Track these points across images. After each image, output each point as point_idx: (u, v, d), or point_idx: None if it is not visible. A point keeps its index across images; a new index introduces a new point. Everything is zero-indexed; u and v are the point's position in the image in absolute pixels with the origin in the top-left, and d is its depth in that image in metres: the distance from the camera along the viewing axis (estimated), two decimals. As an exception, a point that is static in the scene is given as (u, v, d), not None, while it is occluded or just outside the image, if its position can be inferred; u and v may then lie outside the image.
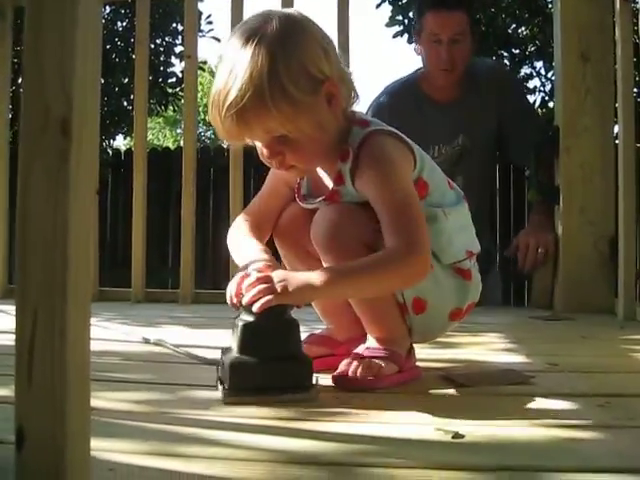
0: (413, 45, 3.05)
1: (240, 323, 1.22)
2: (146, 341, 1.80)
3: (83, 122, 0.63)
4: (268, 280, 1.21)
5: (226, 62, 1.23)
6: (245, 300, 1.21)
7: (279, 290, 1.19)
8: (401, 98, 2.98)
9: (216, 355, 1.35)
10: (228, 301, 1.30)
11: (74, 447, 0.64)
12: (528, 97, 3.16)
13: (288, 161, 1.32)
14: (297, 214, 1.46)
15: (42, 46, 0.61)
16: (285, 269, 1.41)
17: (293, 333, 1.24)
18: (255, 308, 1.18)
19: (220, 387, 1.21)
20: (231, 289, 1.29)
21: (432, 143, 2.88)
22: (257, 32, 1.21)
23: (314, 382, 1.21)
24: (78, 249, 0.63)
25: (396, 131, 1.38)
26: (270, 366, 1.19)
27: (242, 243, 1.43)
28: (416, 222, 1.27)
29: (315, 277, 1.22)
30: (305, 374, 1.21)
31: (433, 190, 1.40)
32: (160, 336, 1.82)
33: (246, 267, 1.32)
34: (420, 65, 3.05)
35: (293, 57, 1.22)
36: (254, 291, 1.20)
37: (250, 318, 1.21)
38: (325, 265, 1.35)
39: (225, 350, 1.28)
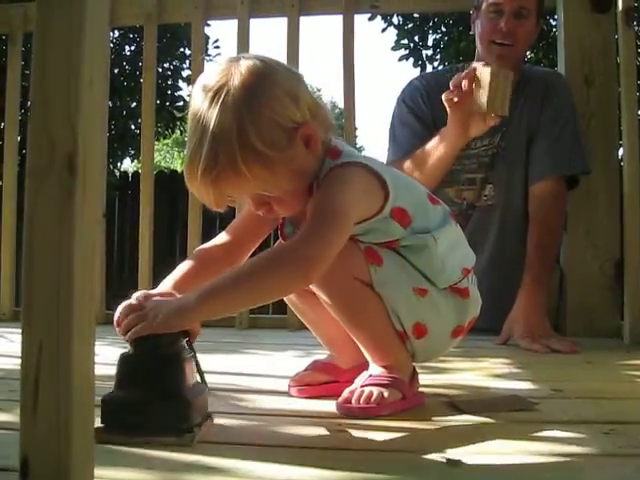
0: (473, 23, 2.64)
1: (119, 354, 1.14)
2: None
3: (89, 157, 0.64)
4: (137, 309, 1.16)
5: (194, 126, 1.20)
6: (120, 330, 1.15)
7: (148, 319, 1.13)
8: (440, 82, 2.57)
9: (216, 380, 1.34)
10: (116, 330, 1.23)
11: (79, 476, 0.64)
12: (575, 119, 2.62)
13: (275, 211, 1.32)
14: None
15: (47, 81, 0.63)
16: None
17: (170, 368, 1.12)
18: (126, 338, 1.12)
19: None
20: (115, 316, 1.22)
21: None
22: (219, 93, 1.18)
23: (192, 424, 1.08)
24: (83, 281, 0.64)
25: (367, 161, 1.33)
26: (143, 404, 1.08)
27: (179, 267, 1.40)
28: (329, 230, 1.21)
29: (186, 300, 1.16)
30: (179, 415, 1.08)
31: (415, 214, 1.36)
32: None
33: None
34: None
35: (261, 115, 1.19)
36: (126, 320, 1.14)
37: (130, 350, 1.14)
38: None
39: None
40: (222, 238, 1.46)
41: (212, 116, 1.17)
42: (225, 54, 7.25)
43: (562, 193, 2.57)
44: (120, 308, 1.22)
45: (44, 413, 0.63)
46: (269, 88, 1.21)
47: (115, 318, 1.22)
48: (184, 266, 1.40)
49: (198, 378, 1.18)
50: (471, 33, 2.73)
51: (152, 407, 1.08)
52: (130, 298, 1.24)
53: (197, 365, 1.18)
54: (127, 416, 1.08)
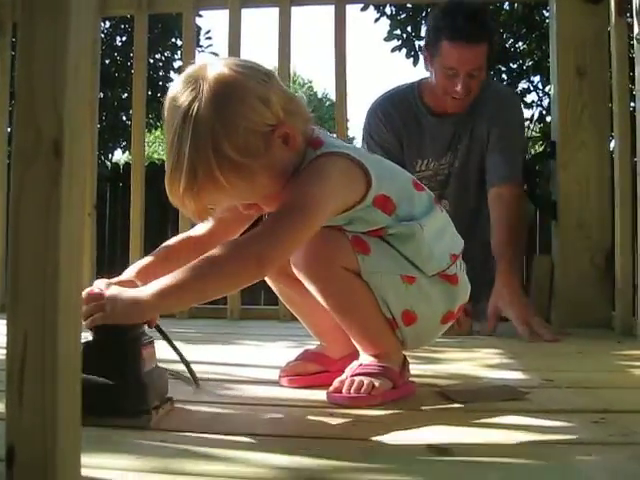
0: (422, 56, 2.86)
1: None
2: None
3: (75, 143, 0.63)
4: (96, 298, 1.16)
5: (170, 143, 1.20)
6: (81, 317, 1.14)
7: (105, 308, 1.14)
8: (398, 108, 2.81)
9: (208, 370, 1.34)
10: None
11: (65, 465, 0.64)
12: (521, 128, 2.89)
13: (264, 209, 1.33)
14: None
15: (34, 68, 0.62)
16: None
17: (126, 353, 1.15)
18: (84, 325, 1.13)
19: None
20: None
21: (422, 156, 2.78)
22: (191, 109, 1.17)
23: (150, 407, 1.12)
24: (69, 269, 0.63)
25: (348, 151, 1.32)
26: (100, 388, 1.10)
27: (148, 256, 1.40)
28: (289, 227, 1.21)
29: (145, 291, 1.16)
30: (137, 398, 1.12)
31: (399, 201, 1.36)
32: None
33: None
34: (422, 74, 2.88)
35: (235, 126, 1.18)
36: (86, 307, 1.15)
37: (90, 337, 1.16)
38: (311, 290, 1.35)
39: None
40: (202, 228, 1.45)
41: (186, 134, 1.17)
42: (217, 45, 7.23)
43: (521, 194, 2.74)
44: (83, 295, 1.22)
45: (30, 403, 0.62)
46: (239, 96, 1.21)
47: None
48: (151, 255, 1.40)
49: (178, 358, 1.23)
50: (424, 62, 2.82)
51: (109, 390, 1.11)
52: (92, 286, 1.24)
53: (175, 349, 1.22)
54: (87, 400, 1.09)
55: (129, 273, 1.33)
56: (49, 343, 0.61)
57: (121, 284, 1.24)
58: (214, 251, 1.19)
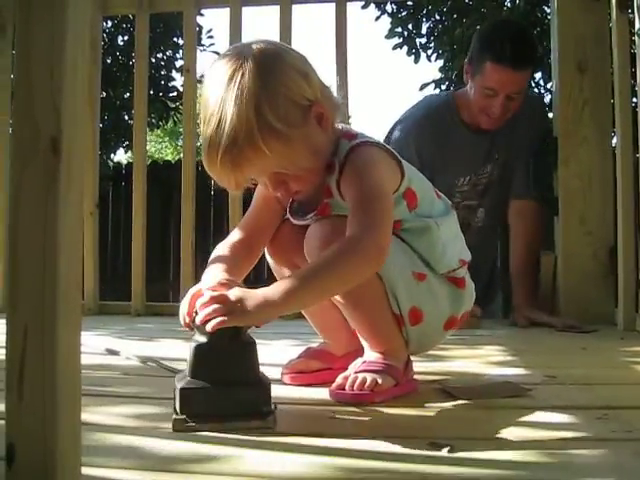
0: (465, 69, 2.74)
1: (192, 344, 1.14)
2: (144, 361, 1.80)
3: (73, 140, 0.63)
4: (223, 299, 1.14)
5: (211, 110, 1.21)
6: (198, 319, 1.13)
7: (235, 309, 1.13)
8: (436, 124, 2.73)
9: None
10: (181, 321, 1.23)
11: (65, 464, 0.64)
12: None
13: (292, 189, 1.33)
14: (289, 232, 1.45)
15: (32, 65, 0.62)
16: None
17: (249, 355, 1.15)
18: (208, 327, 1.10)
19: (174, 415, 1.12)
20: (183, 308, 1.23)
21: (462, 172, 2.77)
22: (235, 76, 1.19)
23: (272, 408, 1.12)
24: (68, 265, 0.63)
25: (383, 143, 1.38)
26: (223, 391, 1.11)
27: (213, 262, 1.37)
28: (380, 214, 1.24)
29: (272, 291, 1.16)
30: (261, 400, 1.11)
31: (422, 199, 1.40)
32: (152, 349, 1.82)
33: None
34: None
35: (277, 94, 1.20)
36: (207, 310, 1.12)
37: (203, 339, 1.13)
38: None
39: (181, 376, 1.18)
40: (237, 235, 1.45)
41: (229, 99, 1.18)
42: (218, 44, 7.22)
43: (540, 209, 2.84)
44: (190, 297, 1.22)
45: (30, 400, 0.62)
46: (282, 67, 1.24)
47: (184, 308, 1.22)
48: (216, 262, 1.37)
49: None
50: (465, 75, 2.77)
51: (234, 393, 1.11)
52: (188, 290, 1.25)
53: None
54: (210, 404, 1.10)
55: (219, 275, 1.29)
56: (48, 339, 0.61)
57: (225, 286, 1.22)
58: (330, 252, 1.21)
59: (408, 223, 1.38)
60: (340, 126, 1.38)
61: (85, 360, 1.72)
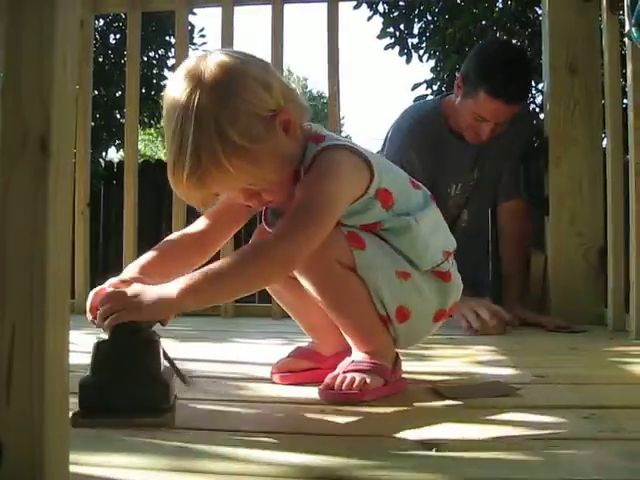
0: (456, 83, 2.73)
1: (94, 341, 1.14)
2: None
3: (62, 139, 0.63)
4: (120, 295, 1.15)
5: (172, 131, 1.19)
6: (98, 316, 1.14)
7: (131, 305, 1.13)
8: (428, 135, 2.73)
9: (201, 367, 1.34)
10: (88, 317, 1.23)
11: (52, 461, 0.64)
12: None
13: (265, 199, 1.33)
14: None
15: (20, 63, 0.62)
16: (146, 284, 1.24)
17: (149, 352, 1.14)
18: (105, 324, 1.12)
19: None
20: (88, 303, 1.23)
21: (452, 181, 2.79)
22: (193, 95, 1.17)
23: (170, 405, 1.12)
24: (57, 264, 0.63)
25: (351, 144, 1.35)
26: (120, 387, 1.10)
27: (146, 253, 1.38)
28: (306, 227, 1.22)
29: (171, 289, 1.15)
30: (160, 396, 1.11)
31: (398, 196, 1.38)
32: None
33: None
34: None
35: (237, 110, 1.19)
36: (105, 307, 1.13)
37: (104, 336, 1.14)
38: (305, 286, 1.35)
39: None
40: (198, 225, 1.45)
41: (189, 120, 1.17)
42: (210, 43, 7.22)
43: (529, 209, 2.93)
44: (93, 294, 1.23)
45: (17, 396, 0.62)
46: (240, 81, 1.21)
47: (88, 304, 1.22)
48: (150, 254, 1.38)
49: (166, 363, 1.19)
50: (455, 90, 2.76)
51: (132, 389, 1.10)
52: (102, 285, 1.24)
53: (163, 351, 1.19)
54: (107, 400, 1.09)
55: (132, 270, 1.31)
56: (37, 336, 0.61)
57: (127, 283, 1.23)
58: (239, 252, 1.21)
59: (388, 223, 1.37)
60: (309, 126, 1.36)
61: (78, 359, 1.73)
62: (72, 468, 0.71)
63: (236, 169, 1.19)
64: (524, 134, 2.89)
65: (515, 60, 2.60)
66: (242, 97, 1.20)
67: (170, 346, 1.87)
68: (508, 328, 2.48)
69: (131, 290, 1.16)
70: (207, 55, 1.24)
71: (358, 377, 1.30)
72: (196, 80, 1.19)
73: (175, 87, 1.22)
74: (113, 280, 1.24)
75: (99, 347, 1.13)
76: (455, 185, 2.81)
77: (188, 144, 1.17)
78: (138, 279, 1.26)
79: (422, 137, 2.72)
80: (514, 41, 4.89)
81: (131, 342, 1.13)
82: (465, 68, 2.70)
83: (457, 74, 2.74)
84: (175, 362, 1.22)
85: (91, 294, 1.24)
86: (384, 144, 2.91)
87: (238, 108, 1.19)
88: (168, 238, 1.45)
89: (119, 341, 1.13)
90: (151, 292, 1.15)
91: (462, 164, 2.79)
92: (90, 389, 1.09)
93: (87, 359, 1.74)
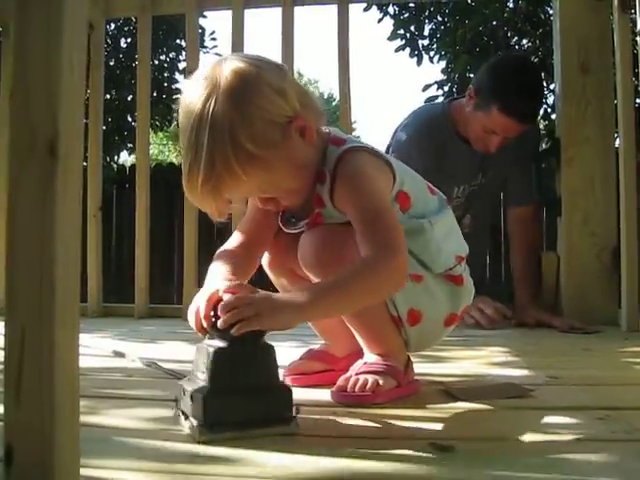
0: (469, 95, 2.74)
1: (210, 350, 1.09)
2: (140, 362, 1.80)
3: (70, 142, 0.63)
4: (249, 301, 1.11)
5: (187, 138, 1.18)
6: (221, 323, 1.09)
7: (263, 311, 1.10)
8: (432, 135, 2.77)
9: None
10: (192, 325, 1.20)
11: (63, 465, 0.64)
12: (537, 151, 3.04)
13: (281, 203, 1.33)
14: (284, 242, 1.43)
15: (28, 68, 0.62)
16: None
17: (271, 360, 1.12)
18: (234, 331, 1.07)
19: (186, 422, 1.08)
20: (198, 311, 1.18)
21: (456, 183, 2.81)
22: (208, 102, 1.16)
23: (294, 413, 1.10)
24: (66, 267, 0.63)
25: (372, 146, 1.36)
26: (248, 398, 1.07)
27: (216, 266, 1.35)
28: (390, 228, 1.24)
29: (299, 297, 1.16)
30: (285, 405, 1.10)
31: (415, 200, 1.39)
32: (155, 351, 1.82)
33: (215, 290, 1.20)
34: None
35: (252, 117, 1.18)
36: (234, 312, 1.09)
37: (222, 344, 1.10)
38: None
39: (188, 379, 1.15)
40: (237, 238, 1.43)
41: (204, 128, 1.16)
42: (221, 45, 7.24)
43: (538, 213, 3.05)
44: (202, 301, 1.18)
45: (27, 401, 0.62)
46: (255, 88, 1.20)
47: (201, 311, 1.17)
48: (220, 266, 1.34)
49: None
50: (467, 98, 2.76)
51: (257, 399, 1.08)
52: (208, 293, 1.20)
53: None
54: (232, 411, 1.07)
55: (227, 278, 1.27)
56: (46, 339, 0.61)
57: (245, 288, 1.20)
58: (358, 265, 1.21)
59: (402, 225, 1.37)
60: (327, 130, 1.36)
61: (91, 362, 1.72)
62: (82, 471, 0.70)
63: (249, 177, 1.19)
64: (531, 140, 2.90)
65: (531, 81, 2.63)
66: (257, 104, 1.19)
67: (185, 348, 1.87)
68: (523, 329, 2.54)
69: (260, 297, 1.14)
70: (222, 62, 1.23)
71: (371, 379, 1.29)
72: (211, 87, 1.18)
73: (190, 94, 1.21)
74: (219, 286, 1.19)
75: (220, 355, 1.09)
76: (458, 188, 2.83)
77: (203, 152, 1.16)
78: (246, 286, 1.22)
79: (427, 140, 2.74)
80: (525, 40, 4.88)
81: (253, 350, 1.11)
82: (478, 81, 2.72)
83: (470, 86, 2.76)
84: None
85: (203, 301, 1.18)
86: (390, 141, 2.92)
87: (253, 115, 1.18)
88: (222, 252, 1.41)
89: (242, 349, 1.10)
90: (281, 299, 1.15)
91: (467, 168, 2.81)
92: (214, 402, 1.06)
93: (101, 362, 1.75)
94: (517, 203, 2.92)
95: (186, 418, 1.08)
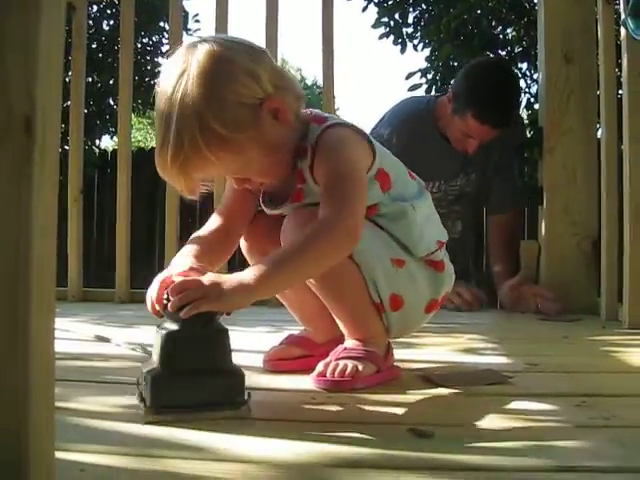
0: (449, 96, 2.82)
1: (162, 332, 1.09)
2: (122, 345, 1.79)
3: (47, 120, 0.62)
4: (197, 284, 1.11)
5: (158, 117, 1.21)
6: (171, 305, 1.09)
7: (210, 294, 1.10)
8: (413, 130, 2.81)
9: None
10: (149, 307, 1.20)
11: (38, 446, 0.63)
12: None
13: (256, 182, 1.33)
14: (263, 224, 1.44)
15: (5, 45, 0.61)
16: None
17: (223, 343, 1.10)
18: (183, 314, 1.07)
19: (141, 404, 1.07)
20: (152, 294, 1.19)
21: (431, 178, 2.80)
22: (179, 82, 1.18)
23: (246, 397, 1.09)
24: (42, 250, 0.62)
25: (353, 123, 1.37)
26: (198, 381, 1.07)
27: (183, 249, 1.35)
28: (351, 194, 1.24)
29: (248, 276, 1.13)
30: (235, 389, 1.08)
31: (395, 180, 1.39)
32: (132, 335, 1.82)
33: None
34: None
35: (221, 99, 1.18)
36: (181, 295, 1.09)
37: (174, 327, 1.09)
38: None
39: (146, 362, 1.14)
40: (215, 221, 1.43)
41: (174, 107, 1.18)
42: (205, 28, 7.19)
43: (517, 218, 3.17)
44: (159, 283, 1.18)
45: (2, 383, 0.61)
46: (227, 70, 1.21)
47: (153, 294, 1.18)
48: (191, 247, 1.34)
49: None
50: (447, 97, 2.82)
51: (207, 382, 1.08)
52: (157, 275, 1.21)
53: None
54: (182, 394, 1.06)
55: (188, 261, 1.27)
56: (22, 322, 0.60)
57: (197, 271, 1.19)
58: (303, 235, 1.21)
59: (385, 208, 1.37)
60: (309, 111, 1.38)
61: (73, 346, 1.70)
62: (57, 454, 0.70)
63: (217, 157, 1.19)
64: (514, 141, 2.96)
65: (504, 87, 2.69)
66: (226, 86, 1.20)
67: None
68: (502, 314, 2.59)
69: (208, 279, 1.13)
70: (198, 43, 1.23)
71: (350, 364, 1.30)
72: (183, 68, 1.20)
73: (164, 75, 1.23)
74: (178, 269, 1.20)
75: (170, 338, 1.08)
76: (433, 183, 2.85)
77: (171, 131, 1.17)
78: (205, 268, 1.22)
79: (409, 134, 2.78)
80: (509, 30, 4.88)
81: (205, 333, 1.10)
82: (455, 87, 2.80)
83: (449, 89, 2.86)
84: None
85: (156, 282, 1.19)
86: (372, 130, 2.93)
87: (222, 97, 1.19)
88: (196, 235, 1.41)
89: (193, 332, 1.09)
90: (229, 281, 1.13)
91: (446, 166, 2.85)
92: (165, 383, 1.06)
93: (82, 347, 1.74)
94: (494, 211, 3.04)
95: (142, 400, 1.08)
